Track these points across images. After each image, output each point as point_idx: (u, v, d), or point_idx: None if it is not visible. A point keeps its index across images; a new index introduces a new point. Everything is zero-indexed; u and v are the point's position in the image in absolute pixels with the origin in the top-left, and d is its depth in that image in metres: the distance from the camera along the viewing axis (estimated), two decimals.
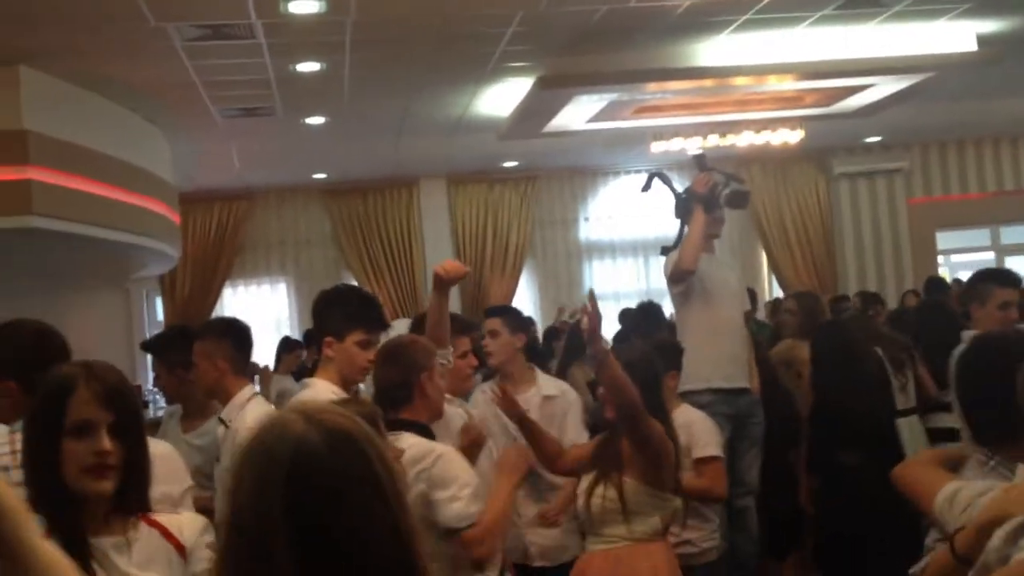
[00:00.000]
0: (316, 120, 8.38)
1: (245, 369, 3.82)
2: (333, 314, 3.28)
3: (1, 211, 6.05)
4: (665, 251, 5.21)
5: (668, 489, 3.38)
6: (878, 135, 11.35)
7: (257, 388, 3.85)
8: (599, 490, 3.35)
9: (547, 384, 4.28)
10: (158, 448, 3.55)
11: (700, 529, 3.91)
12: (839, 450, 4.75)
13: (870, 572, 4.54)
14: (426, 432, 3.04)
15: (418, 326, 3.95)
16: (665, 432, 3.37)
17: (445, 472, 2.90)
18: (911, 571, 2.08)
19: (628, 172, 11.99)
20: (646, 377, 3.40)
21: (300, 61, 6.60)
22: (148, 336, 9.86)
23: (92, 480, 1.92)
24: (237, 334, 3.81)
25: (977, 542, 1.78)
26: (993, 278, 4.23)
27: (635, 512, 3.33)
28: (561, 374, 5.63)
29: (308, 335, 9.23)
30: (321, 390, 3.14)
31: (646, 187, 5.55)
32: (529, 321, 4.58)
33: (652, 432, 3.32)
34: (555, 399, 4.19)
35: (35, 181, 6.12)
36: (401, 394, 3.02)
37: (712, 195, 5.04)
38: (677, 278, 4.90)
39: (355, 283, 11.57)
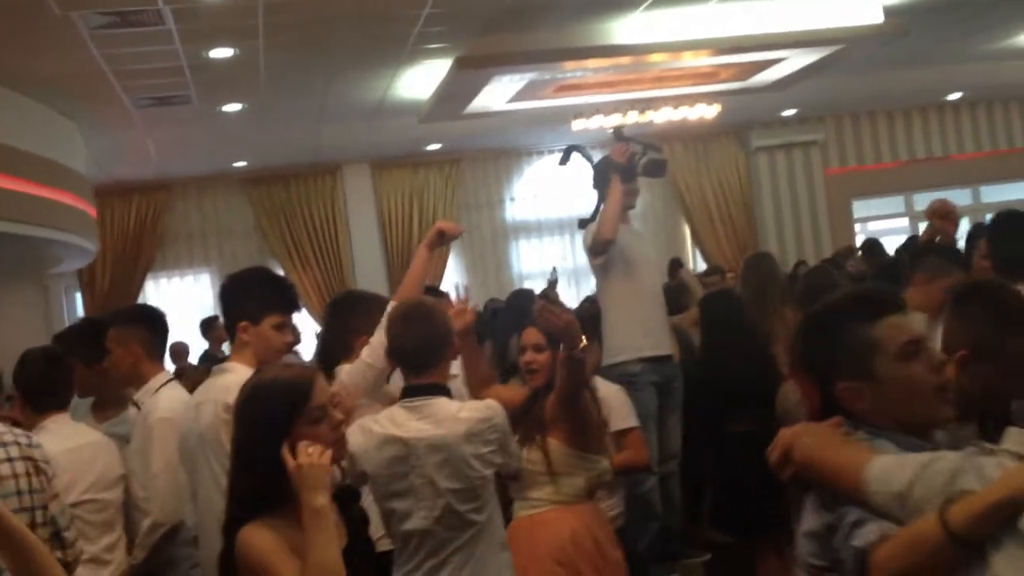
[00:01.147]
0: (233, 107, 8.26)
1: (161, 354, 3.80)
2: (246, 299, 3.23)
3: None
4: (583, 224, 5.23)
5: (593, 451, 3.41)
6: (793, 108, 11.57)
7: (171, 373, 3.79)
8: (523, 453, 3.35)
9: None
10: (91, 436, 3.53)
11: (607, 499, 3.98)
12: (726, 420, 4.81)
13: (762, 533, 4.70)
14: (448, 396, 3.01)
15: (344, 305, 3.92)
16: (589, 399, 3.43)
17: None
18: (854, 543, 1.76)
19: (551, 151, 12.03)
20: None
21: (213, 47, 6.51)
22: None
23: None
24: (151, 320, 3.80)
25: (990, 522, 1.58)
26: None
27: (561, 474, 3.36)
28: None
29: (206, 324, 9.34)
30: (242, 374, 3.13)
31: (564, 160, 5.58)
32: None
33: (581, 400, 3.37)
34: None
35: None
36: (431, 357, 2.95)
37: (630, 164, 5.10)
38: (598, 249, 4.94)
39: (280, 271, 11.47)
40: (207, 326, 9.41)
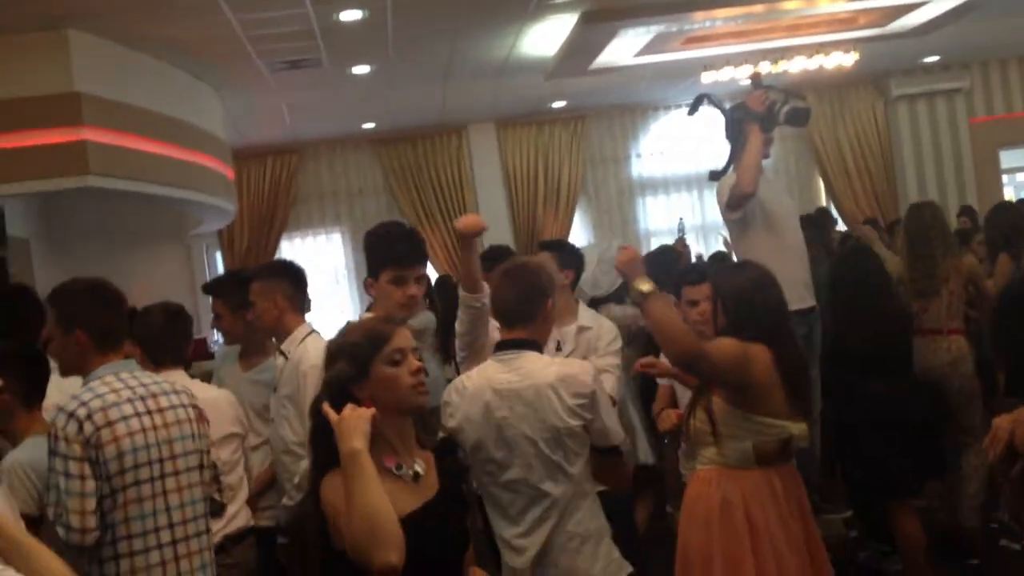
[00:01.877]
0: (362, 69, 8.37)
1: (302, 307, 3.92)
2: (368, 255, 3.42)
3: (58, 172, 6.18)
4: (715, 176, 5.04)
5: (767, 413, 3.23)
6: (936, 55, 11.02)
7: (314, 326, 3.92)
8: (695, 411, 3.33)
9: (585, 316, 4.28)
10: (209, 393, 3.74)
11: None
12: (856, 375, 4.69)
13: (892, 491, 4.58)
14: (540, 351, 3.07)
15: (442, 286, 4.10)
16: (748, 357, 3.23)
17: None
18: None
19: (678, 106, 11.82)
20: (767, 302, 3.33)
21: (342, 9, 6.58)
22: None
23: None
24: (293, 274, 3.94)
25: None
26: None
27: (725, 436, 3.25)
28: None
29: None
30: None
31: (693, 109, 5.37)
32: (579, 257, 4.54)
33: (718, 363, 3.24)
34: (589, 330, 4.19)
35: (90, 142, 6.23)
36: (525, 311, 3.01)
37: (770, 112, 4.87)
38: (736, 202, 4.73)
39: None
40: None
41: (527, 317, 3.02)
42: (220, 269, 11.57)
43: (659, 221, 12.02)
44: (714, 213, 11.46)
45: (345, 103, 9.71)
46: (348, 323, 2.66)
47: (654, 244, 10.77)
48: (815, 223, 7.76)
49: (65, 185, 6.24)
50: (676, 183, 12.19)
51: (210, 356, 7.08)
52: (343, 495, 2.21)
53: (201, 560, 2.94)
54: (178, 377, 3.66)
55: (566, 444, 2.90)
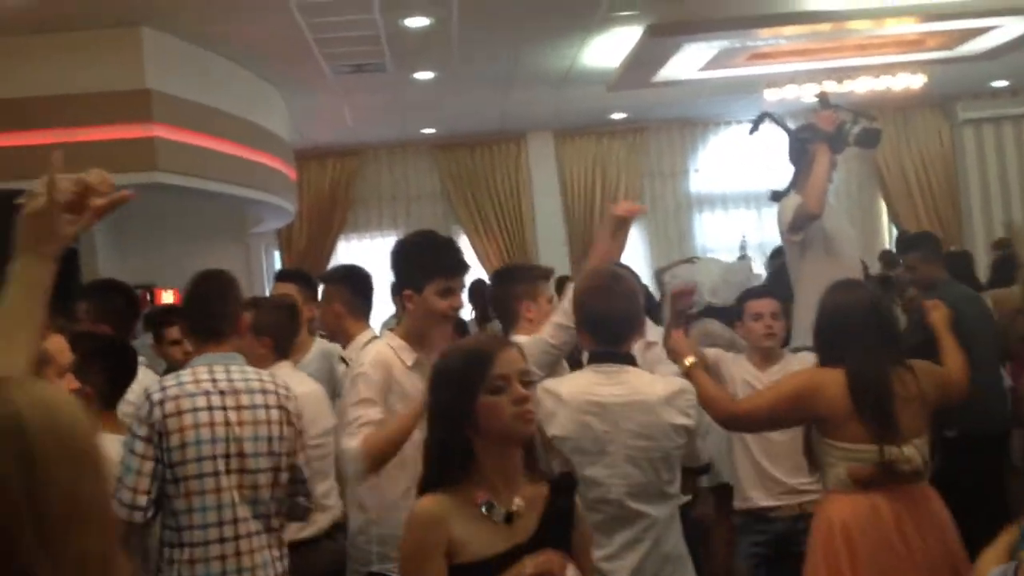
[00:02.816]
0: (424, 75, 8.45)
1: (364, 312, 3.91)
2: (410, 266, 3.20)
3: (127, 167, 6.28)
4: (776, 196, 4.93)
5: (846, 438, 3.14)
6: (1005, 79, 10.82)
7: (377, 332, 3.85)
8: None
9: (652, 332, 4.25)
10: (308, 387, 3.72)
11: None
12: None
13: None
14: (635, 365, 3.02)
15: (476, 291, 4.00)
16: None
17: None
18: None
19: (739, 122, 11.74)
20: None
21: (409, 16, 6.66)
22: (266, 289, 10.19)
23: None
24: (354, 279, 3.94)
25: None
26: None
27: (821, 461, 3.24)
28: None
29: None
30: (384, 345, 3.22)
31: (755, 128, 5.28)
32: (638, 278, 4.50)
33: (766, 414, 3.29)
34: (656, 345, 4.16)
35: (158, 138, 6.36)
36: (630, 328, 2.94)
37: (840, 133, 4.77)
38: (800, 224, 4.62)
39: (463, 237, 11.70)
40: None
41: (632, 332, 2.95)
42: (278, 267, 11.72)
43: (716, 237, 11.95)
44: (774, 231, 11.43)
45: (406, 108, 9.80)
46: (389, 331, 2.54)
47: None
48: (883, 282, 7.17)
49: (133, 180, 6.33)
50: (735, 199, 12.10)
51: None
52: (422, 538, 2.08)
53: (264, 558, 2.92)
54: (286, 370, 3.61)
55: (672, 463, 2.84)
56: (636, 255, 11.58)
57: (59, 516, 1.15)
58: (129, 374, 3.27)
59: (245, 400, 2.93)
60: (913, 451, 3.15)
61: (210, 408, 2.87)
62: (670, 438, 2.82)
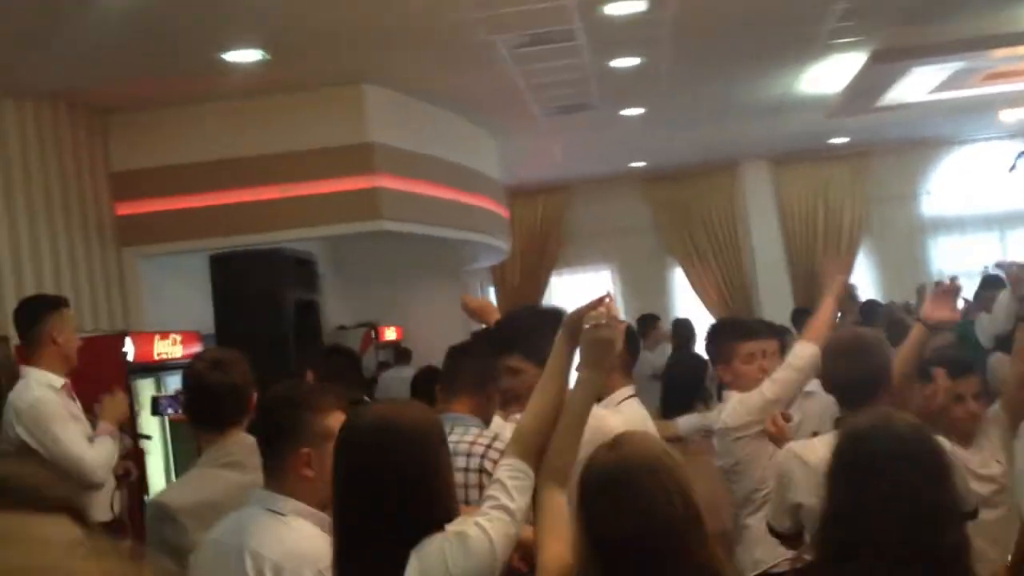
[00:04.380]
0: (633, 112, 8.38)
1: (629, 369, 3.78)
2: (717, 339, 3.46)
3: (354, 217, 6.60)
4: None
5: None
6: None
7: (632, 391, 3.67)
8: None
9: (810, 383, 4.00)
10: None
11: None
12: None
13: None
14: None
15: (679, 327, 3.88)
16: None
17: None
18: None
19: (974, 140, 11.01)
20: None
21: (618, 57, 6.62)
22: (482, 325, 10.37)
23: None
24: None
25: None
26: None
27: None
28: None
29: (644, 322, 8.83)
30: None
31: (1013, 167, 4.96)
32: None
33: None
34: (813, 395, 3.78)
35: (381, 188, 6.61)
36: (869, 390, 2.80)
37: None
38: None
39: (678, 268, 11.52)
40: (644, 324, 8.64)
41: (873, 394, 2.79)
42: (493, 304, 11.93)
43: (952, 262, 11.19)
44: (1019, 256, 10.61)
45: (614, 143, 9.76)
46: None
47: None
48: None
49: (360, 229, 6.65)
50: (974, 222, 11.33)
51: None
52: None
53: None
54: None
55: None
56: (866, 282, 11.05)
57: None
58: None
59: (459, 463, 2.86)
60: None
61: None
62: None
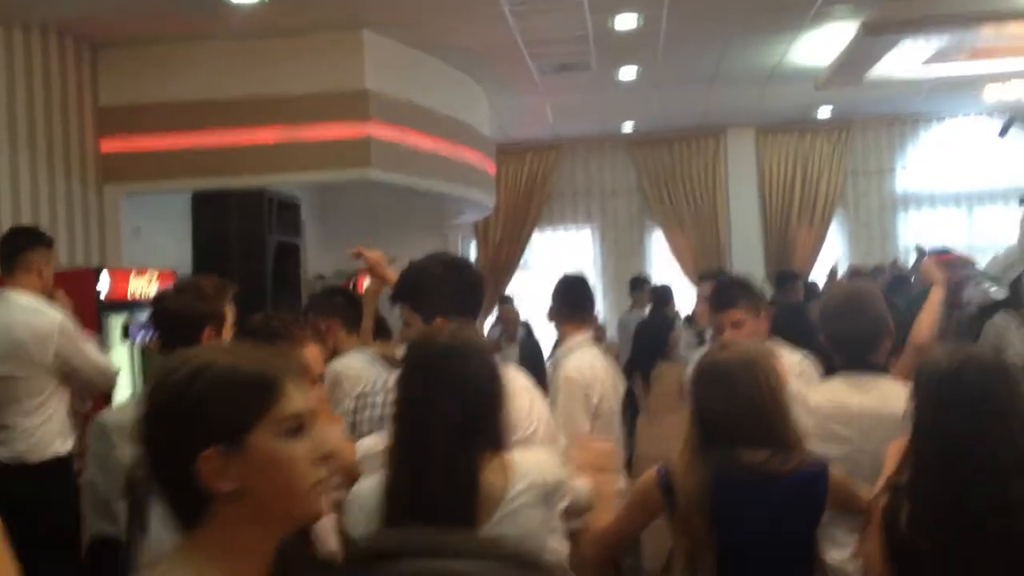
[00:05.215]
0: (628, 73, 8.43)
1: (575, 316, 3.95)
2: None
3: (344, 164, 6.60)
4: (1005, 130, 4.72)
5: None
6: None
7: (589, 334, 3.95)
8: None
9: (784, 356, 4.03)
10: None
11: None
12: None
13: None
14: None
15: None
16: None
17: None
18: None
19: (954, 117, 11.18)
20: None
21: (620, 13, 6.65)
22: None
23: None
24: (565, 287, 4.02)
25: None
26: None
27: None
28: None
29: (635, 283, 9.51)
30: None
31: (1003, 131, 5.07)
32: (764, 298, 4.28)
33: None
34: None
35: (373, 137, 6.61)
36: (869, 344, 2.91)
37: None
38: None
39: (659, 231, 11.64)
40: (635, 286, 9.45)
41: (873, 348, 2.89)
42: (472, 259, 11.99)
43: (922, 237, 11.40)
44: (983, 233, 10.88)
45: (607, 105, 9.82)
46: None
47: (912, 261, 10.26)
48: None
49: (348, 177, 6.66)
50: (944, 199, 11.54)
51: None
52: None
53: None
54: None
55: None
56: (836, 253, 11.23)
57: None
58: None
59: None
60: None
61: None
62: None
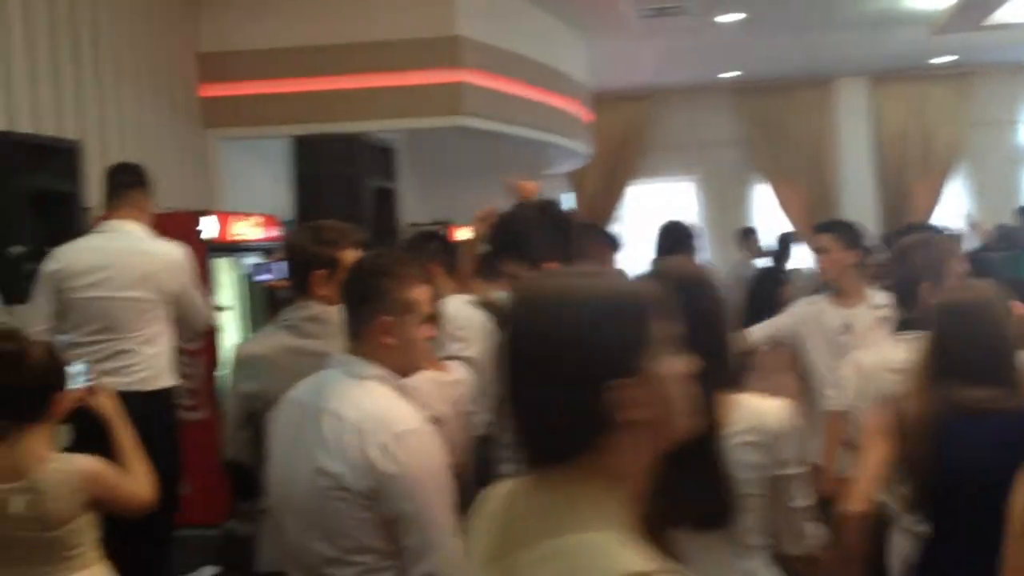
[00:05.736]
0: (729, 18, 8.12)
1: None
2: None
3: (436, 111, 6.56)
4: None
5: None
6: None
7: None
8: None
9: (876, 296, 3.89)
10: None
11: None
12: None
13: None
14: None
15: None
16: None
17: None
18: None
19: None
20: None
21: None
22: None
23: None
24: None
25: None
26: None
27: None
28: None
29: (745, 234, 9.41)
30: None
31: None
32: (860, 237, 4.12)
33: None
34: (881, 307, 3.76)
35: (465, 83, 6.54)
36: (911, 288, 2.99)
37: None
38: None
39: (765, 185, 11.29)
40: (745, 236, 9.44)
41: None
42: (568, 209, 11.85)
43: None
44: None
45: (707, 51, 9.50)
46: None
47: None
48: None
49: (440, 124, 6.61)
50: None
51: None
52: None
53: None
54: None
55: None
56: (959, 210, 10.73)
57: None
58: None
59: None
60: None
61: None
62: None
